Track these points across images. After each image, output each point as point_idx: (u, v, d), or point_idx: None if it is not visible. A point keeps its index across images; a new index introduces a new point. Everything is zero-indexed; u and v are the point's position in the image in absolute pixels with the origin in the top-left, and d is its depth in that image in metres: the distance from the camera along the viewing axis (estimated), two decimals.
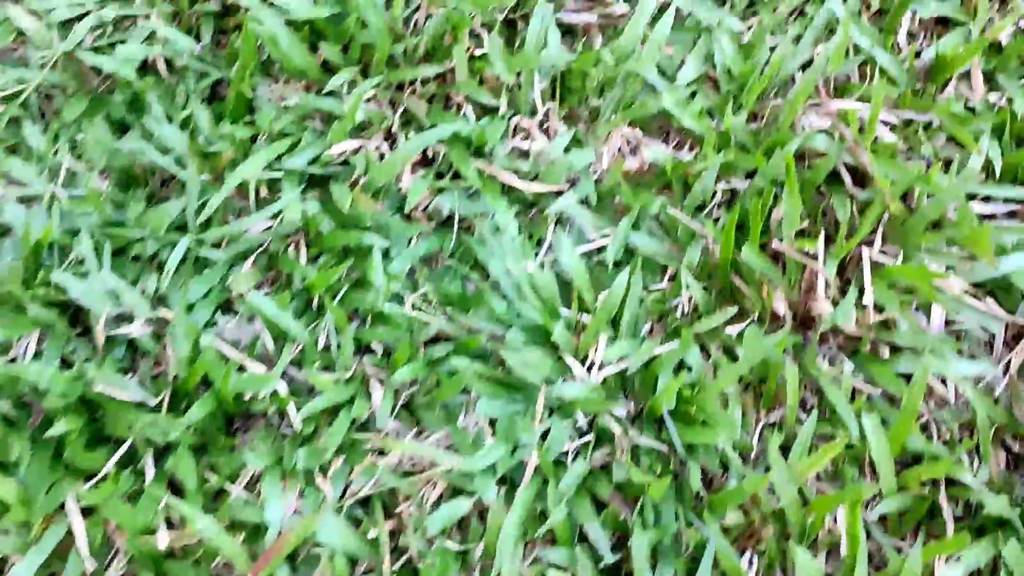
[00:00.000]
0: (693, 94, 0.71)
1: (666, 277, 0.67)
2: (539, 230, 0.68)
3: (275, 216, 0.65)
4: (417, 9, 0.73)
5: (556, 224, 0.68)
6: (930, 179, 0.64)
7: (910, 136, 0.70)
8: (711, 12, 0.71)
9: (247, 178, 0.64)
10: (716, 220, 0.68)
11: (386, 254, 0.66)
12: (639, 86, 0.70)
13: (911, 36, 0.74)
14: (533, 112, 0.71)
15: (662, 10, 0.72)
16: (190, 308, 0.63)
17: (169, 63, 0.71)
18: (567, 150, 0.70)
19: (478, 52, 0.71)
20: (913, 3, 0.71)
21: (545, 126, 0.71)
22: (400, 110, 0.70)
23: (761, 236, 0.65)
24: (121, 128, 0.71)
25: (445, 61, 0.70)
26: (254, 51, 0.68)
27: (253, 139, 0.68)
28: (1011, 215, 0.70)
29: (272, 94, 0.70)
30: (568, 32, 0.74)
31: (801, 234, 0.66)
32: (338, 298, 0.64)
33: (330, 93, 0.69)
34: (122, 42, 0.72)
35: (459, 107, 0.70)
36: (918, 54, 0.73)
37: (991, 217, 0.70)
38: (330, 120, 0.68)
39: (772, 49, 0.72)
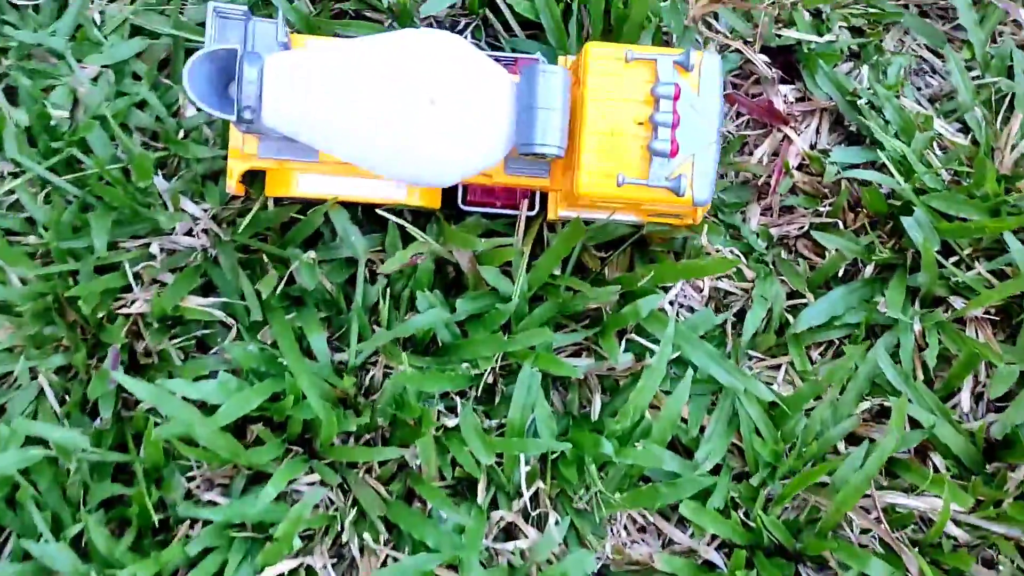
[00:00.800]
0: (717, 471, 0.58)
1: None
2: None
3: None
4: (374, 355, 0.59)
5: None
6: None
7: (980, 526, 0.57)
8: (735, 377, 0.58)
9: None
10: None
11: None
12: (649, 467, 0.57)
13: (976, 380, 0.61)
14: (518, 494, 0.57)
15: (674, 364, 0.59)
16: None
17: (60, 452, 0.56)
18: (563, 542, 0.57)
19: (450, 423, 0.58)
20: (981, 357, 0.58)
21: (533, 512, 0.58)
22: (352, 509, 0.56)
23: None
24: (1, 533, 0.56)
25: (411, 445, 0.56)
26: (161, 455, 0.54)
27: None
28: None
29: (191, 485, 0.56)
30: (560, 380, 0.61)
31: None
32: None
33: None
34: (2, 409, 0.58)
35: (426, 504, 0.56)
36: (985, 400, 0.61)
37: None
38: (261, 528, 0.54)
39: (808, 412, 0.59)
